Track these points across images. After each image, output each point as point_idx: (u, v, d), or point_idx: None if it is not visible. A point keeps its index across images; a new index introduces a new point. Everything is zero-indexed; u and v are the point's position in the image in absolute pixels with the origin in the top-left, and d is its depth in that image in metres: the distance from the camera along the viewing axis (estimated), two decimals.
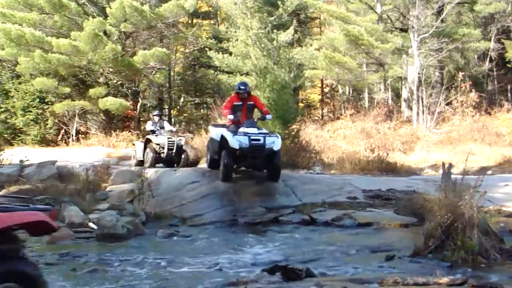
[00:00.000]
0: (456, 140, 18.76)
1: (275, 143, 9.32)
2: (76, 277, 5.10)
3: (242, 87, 10.03)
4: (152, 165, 12.83)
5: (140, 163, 13.63)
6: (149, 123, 14.16)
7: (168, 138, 13.26)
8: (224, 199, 9.28)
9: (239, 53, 23.59)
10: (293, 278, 4.48)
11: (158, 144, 13.15)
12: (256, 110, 10.29)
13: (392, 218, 7.58)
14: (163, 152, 13.09)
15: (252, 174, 10.28)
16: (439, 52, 22.66)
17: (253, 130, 9.31)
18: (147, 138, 13.70)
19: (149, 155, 13.10)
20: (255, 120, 9.87)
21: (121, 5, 19.84)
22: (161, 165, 13.22)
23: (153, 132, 13.62)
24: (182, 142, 13.50)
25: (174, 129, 14.44)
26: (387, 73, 24.65)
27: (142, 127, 25.47)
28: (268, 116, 10.02)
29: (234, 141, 9.08)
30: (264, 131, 9.57)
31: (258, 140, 9.14)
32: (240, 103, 9.89)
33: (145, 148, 13.52)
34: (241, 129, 9.34)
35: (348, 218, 7.66)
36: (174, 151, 13.11)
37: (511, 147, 17.50)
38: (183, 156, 13.18)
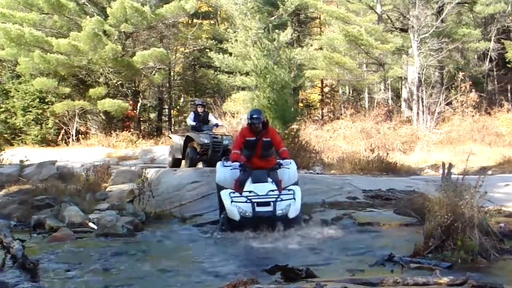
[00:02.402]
0: (456, 140, 18.78)
1: (290, 207, 6.78)
2: (76, 277, 5.10)
3: (255, 116, 7.40)
4: (193, 165, 11.91)
5: (177, 162, 12.60)
6: (191, 115, 12.48)
7: (213, 138, 11.88)
8: None
9: (238, 54, 23.61)
10: (293, 278, 4.48)
11: (201, 145, 11.85)
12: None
13: (392, 218, 7.58)
14: (206, 154, 11.79)
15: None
16: (439, 52, 22.68)
17: (261, 189, 6.92)
18: (187, 136, 12.28)
19: (190, 156, 11.93)
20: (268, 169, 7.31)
21: (122, 5, 19.85)
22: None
23: (193, 128, 12.20)
24: (228, 142, 12.00)
25: (220, 123, 12.92)
26: (387, 73, 24.66)
27: (142, 127, 25.52)
28: (286, 162, 7.39)
29: (233, 211, 6.76)
30: (274, 188, 7.04)
31: (266, 204, 6.73)
32: (254, 138, 7.46)
33: (185, 146, 12.27)
34: (246, 187, 7.06)
35: (348, 218, 7.66)
36: (219, 153, 11.64)
37: (511, 147, 17.51)
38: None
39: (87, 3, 21.85)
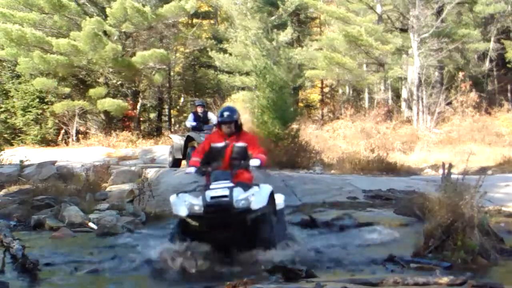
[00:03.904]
0: (456, 140, 18.78)
1: (254, 197, 5.30)
2: (75, 277, 5.10)
3: (227, 113, 5.97)
4: None
5: (177, 162, 12.52)
6: (190, 117, 12.28)
7: None
8: None
9: (238, 54, 23.62)
10: (293, 278, 4.48)
11: None
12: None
13: (392, 218, 7.58)
14: None
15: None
16: (439, 52, 22.68)
17: (220, 184, 5.37)
18: (188, 136, 12.08)
19: (191, 155, 11.77)
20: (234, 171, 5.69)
21: (122, 5, 19.86)
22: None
23: (194, 128, 12.03)
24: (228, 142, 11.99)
25: None
26: (387, 73, 24.67)
27: (142, 127, 25.52)
28: (254, 161, 5.74)
29: (179, 205, 5.37)
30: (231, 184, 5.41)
31: (222, 196, 5.23)
32: (222, 144, 5.95)
33: (185, 146, 12.12)
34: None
35: (348, 218, 7.67)
36: None
37: (511, 147, 17.51)
38: None
39: (87, 3, 21.86)
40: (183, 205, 5.32)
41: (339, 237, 6.67)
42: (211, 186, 5.35)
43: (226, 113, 6.01)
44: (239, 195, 5.25)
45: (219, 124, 6.07)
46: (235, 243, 5.31)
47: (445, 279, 4.06)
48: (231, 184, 5.33)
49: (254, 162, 5.76)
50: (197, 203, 5.25)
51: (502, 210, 7.82)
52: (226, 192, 5.22)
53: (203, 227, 5.20)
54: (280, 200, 6.16)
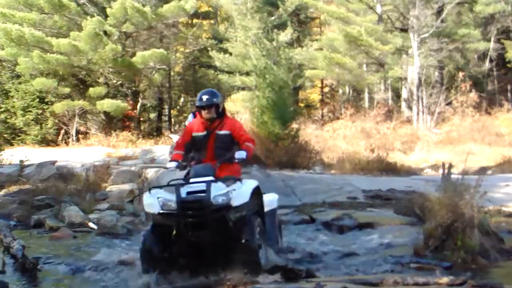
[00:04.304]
0: (456, 140, 18.78)
1: (234, 193, 4.75)
2: (75, 277, 5.10)
3: (206, 97, 5.33)
4: None
5: None
6: (190, 117, 11.65)
7: None
8: None
9: (238, 54, 23.62)
10: (293, 278, 4.48)
11: None
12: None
13: (392, 218, 7.58)
14: None
15: (252, 174, 10.25)
16: (439, 52, 22.68)
17: (200, 179, 4.85)
18: None
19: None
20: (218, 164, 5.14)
21: (122, 5, 19.85)
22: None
23: None
24: None
25: None
26: (387, 73, 24.67)
27: (142, 127, 25.51)
28: (240, 153, 5.18)
29: (151, 201, 4.84)
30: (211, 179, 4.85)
31: (199, 192, 4.72)
32: (203, 133, 5.39)
33: None
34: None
35: (348, 218, 7.66)
36: None
37: (511, 147, 17.50)
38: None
39: (87, 3, 21.85)
40: (156, 201, 4.75)
41: (339, 237, 6.67)
42: (190, 181, 4.89)
43: (205, 97, 5.35)
44: (218, 190, 4.71)
45: (198, 110, 5.45)
46: (213, 248, 4.69)
47: (445, 279, 4.06)
48: (210, 178, 4.79)
49: (239, 155, 5.18)
50: (172, 199, 4.69)
51: (502, 210, 7.82)
52: (204, 187, 4.70)
53: (178, 226, 4.64)
54: (271, 200, 5.67)
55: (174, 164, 5.33)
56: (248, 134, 5.58)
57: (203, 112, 5.35)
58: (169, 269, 4.76)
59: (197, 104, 5.38)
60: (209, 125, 5.38)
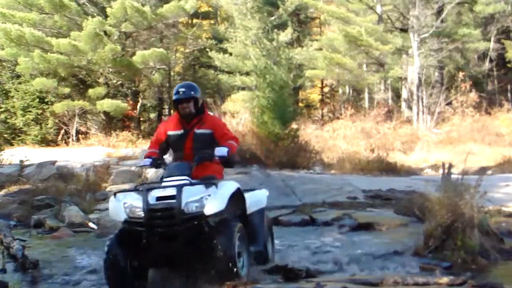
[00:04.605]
0: (456, 140, 18.79)
1: (208, 200, 4.17)
2: (75, 277, 5.10)
3: (182, 90, 4.79)
4: None
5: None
6: None
7: None
8: None
9: (238, 54, 23.62)
10: (293, 278, 4.48)
11: None
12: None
13: (392, 218, 7.57)
14: None
15: (252, 174, 10.27)
16: (439, 52, 22.69)
17: (172, 181, 4.36)
18: None
19: None
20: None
21: (122, 5, 19.85)
22: None
23: None
24: None
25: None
26: (387, 73, 24.67)
27: (142, 127, 25.51)
28: (219, 150, 4.60)
29: (117, 208, 4.32)
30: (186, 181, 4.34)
31: (169, 197, 4.20)
32: (180, 131, 4.82)
33: None
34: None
35: (348, 218, 7.66)
36: None
37: (511, 147, 17.51)
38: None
39: (87, 3, 21.85)
40: (122, 207, 4.23)
41: (339, 237, 6.67)
42: (163, 183, 4.39)
43: (182, 89, 4.77)
44: (190, 195, 4.14)
45: (174, 105, 4.84)
46: (186, 260, 4.23)
47: (445, 279, 4.06)
48: (183, 182, 4.25)
49: (219, 152, 4.58)
50: (139, 206, 4.16)
51: (502, 210, 7.82)
52: (174, 192, 4.15)
53: (146, 237, 4.13)
54: (258, 199, 5.07)
55: (148, 161, 4.78)
56: (232, 133, 4.99)
57: (180, 107, 4.74)
58: (138, 282, 4.29)
59: (173, 99, 4.80)
60: (187, 122, 4.78)
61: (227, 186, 4.39)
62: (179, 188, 4.16)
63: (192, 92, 4.78)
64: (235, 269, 4.08)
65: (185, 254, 4.20)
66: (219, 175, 4.75)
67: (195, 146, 4.71)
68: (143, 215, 4.14)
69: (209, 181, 4.34)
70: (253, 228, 4.75)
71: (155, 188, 4.35)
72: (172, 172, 4.46)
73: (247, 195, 4.81)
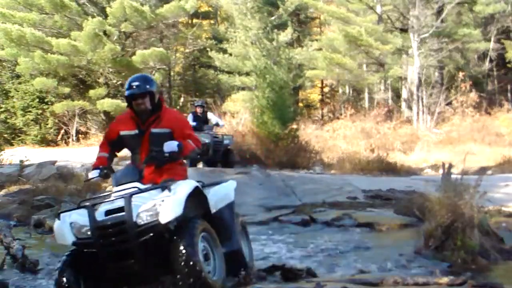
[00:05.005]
0: (456, 140, 18.77)
1: (162, 206, 3.70)
2: None
3: (136, 84, 4.22)
4: (194, 165, 11.76)
5: None
6: (190, 117, 12.21)
7: (214, 137, 11.83)
8: None
9: (238, 54, 23.63)
10: (292, 278, 4.48)
11: (202, 144, 11.54)
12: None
13: (392, 218, 7.57)
14: (207, 154, 11.57)
15: (252, 174, 10.27)
16: (439, 52, 22.69)
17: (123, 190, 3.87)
18: None
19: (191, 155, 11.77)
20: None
21: (121, 5, 19.86)
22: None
23: (194, 128, 12.13)
24: (229, 142, 12.17)
25: (221, 123, 12.65)
26: (387, 73, 24.67)
27: None
28: (169, 146, 4.10)
29: (62, 229, 3.83)
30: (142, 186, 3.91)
31: (118, 210, 3.73)
32: (135, 131, 4.28)
33: None
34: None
35: (348, 218, 7.65)
36: (220, 152, 11.85)
37: (511, 147, 17.50)
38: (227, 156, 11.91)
39: (87, 3, 21.86)
40: (68, 229, 3.75)
41: (339, 237, 6.67)
42: (113, 194, 3.89)
43: (135, 83, 4.19)
44: (141, 205, 3.68)
45: (127, 101, 4.27)
46: (151, 275, 3.78)
47: (445, 279, 4.07)
48: (131, 190, 3.77)
49: (168, 146, 4.05)
50: (84, 224, 3.70)
51: (502, 210, 7.81)
52: (122, 203, 3.66)
53: (100, 257, 3.67)
54: (224, 193, 4.54)
55: (96, 172, 4.25)
56: (194, 134, 4.46)
57: (134, 104, 4.19)
58: None
59: (126, 94, 4.23)
60: (142, 121, 4.24)
61: (182, 187, 3.86)
62: (128, 198, 3.66)
63: (148, 86, 4.22)
64: (202, 274, 3.59)
65: (148, 269, 3.72)
66: (181, 177, 4.17)
67: (152, 147, 4.16)
68: (89, 235, 3.68)
69: (161, 185, 3.90)
70: (223, 226, 4.28)
71: (103, 202, 3.85)
72: (119, 180, 3.98)
73: (211, 191, 4.44)
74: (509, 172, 13.54)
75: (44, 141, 21.86)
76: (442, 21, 23.27)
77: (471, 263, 4.95)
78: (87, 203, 3.81)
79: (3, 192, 10.16)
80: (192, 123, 12.13)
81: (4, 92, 22.91)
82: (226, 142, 12.13)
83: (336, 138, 19.57)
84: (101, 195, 4.12)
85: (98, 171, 4.25)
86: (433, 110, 21.74)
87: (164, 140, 4.14)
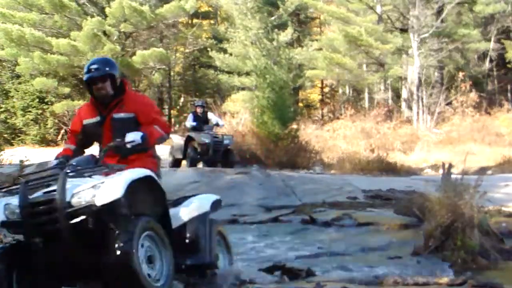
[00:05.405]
0: (456, 140, 18.76)
1: (99, 189, 3.31)
2: None
3: (94, 67, 3.84)
4: (194, 165, 11.88)
5: (177, 162, 12.52)
6: (190, 117, 12.39)
7: (214, 137, 11.86)
8: (224, 199, 9.26)
9: (238, 54, 23.63)
10: (292, 277, 4.48)
11: (202, 144, 11.79)
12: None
13: (392, 218, 7.56)
14: (207, 154, 11.71)
15: (252, 174, 10.26)
16: (439, 52, 22.69)
17: None
18: (188, 136, 12.18)
19: (191, 155, 11.92)
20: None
21: (121, 5, 19.87)
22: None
23: (194, 128, 12.10)
24: (229, 142, 12.21)
25: (222, 123, 12.75)
26: (387, 73, 24.67)
27: None
28: (130, 137, 3.69)
29: None
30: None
31: (52, 191, 3.38)
32: (96, 118, 3.92)
33: (185, 146, 12.16)
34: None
35: (348, 218, 7.64)
36: (220, 152, 11.90)
37: (511, 147, 17.49)
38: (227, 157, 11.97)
39: (87, 3, 21.86)
40: (1, 209, 3.43)
41: (339, 237, 6.66)
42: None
43: (94, 66, 3.83)
44: (78, 185, 3.34)
45: (87, 87, 3.92)
46: (82, 269, 3.37)
47: (445, 279, 4.06)
48: (70, 168, 3.48)
49: (130, 137, 3.65)
50: (13, 203, 3.41)
51: (502, 210, 7.80)
52: (55, 192, 3.29)
53: (28, 239, 3.38)
54: (199, 204, 4.14)
55: (54, 162, 3.81)
56: (162, 119, 4.06)
57: (94, 89, 3.82)
58: None
59: (84, 79, 3.86)
60: (104, 107, 3.86)
61: (129, 172, 3.45)
62: (63, 175, 3.33)
63: (107, 68, 3.83)
64: (137, 276, 3.16)
65: (80, 258, 3.33)
66: (151, 169, 3.73)
67: (115, 135, 3.77)
68: (19, 215, 3.33)
69: (107, 165, 3.58)
70: (192, 237, 3.93)
71: (47, 182, 3.48)
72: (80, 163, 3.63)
73: (184, 203, 4.11)
74: (509, 172, 13.54)
75: (44, 141, 21.86)
76: (442, 21, 23.27)
77: (471, 263, 4.94)
78: (22, 181, 3.48)
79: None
80: (192, 123, 12.20)
81: (4, 92, 22.92)
82: (226, 142, 12.16)
83: (336, 138, 19.56)
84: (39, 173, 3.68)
85: (56, 161, 3.80)
86: (433, 110, 21.74)
87: (128, 126, 3.77)
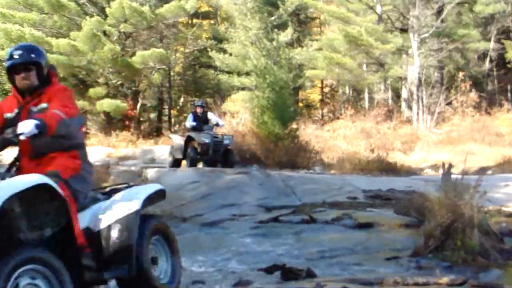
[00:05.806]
0: (456, 140, 18.77)
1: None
2: None
3: (18, 53, 3.32)
4: (194, 165, 11.88)
5: (177, 162, 12.59)
6: (190, 117, 12.40)
7: (214, 137, 11.88)
8: (224, 199, 9.28)
9: (238, 54, 23.64)
10: (292, 278, 4.48)
11: (202, 144, 11.85)
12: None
13: (392, 218, 7.56)
14: (207, 154, 11.74)
15: (252, 174, 10.27)
16: (439, 52, 22.70)
17: None
18: (188, 136, 12.20)
19: (191, 155, 11.95)
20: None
21: (121, 5, 19.87)
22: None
23: (194, 128, 12.15)
24: (229, 142, 12.22)
25: (222, 123, 12.73)
26: (387, 73, 24.68)
27: (142, 127, 25.52)
28: (22, 126, 3.02)
29: None
30: None
31: None
32: (15, 112, 3.43)
33: (185, 146, 12.22)
34: None
35: (348, 218, 7.65)
36: (220, 152, 11.92)
37: (511, 147, 17.50)
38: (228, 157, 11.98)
39: (87, 3, 21.86)
40: None
41: (339, 237, 6.66)
42: None
43: (17, 52, 3.33)
44: None
45: (9, 76, 3.43)
46: None
47: (445, 279, 4.07)
48: None
49: (22, 127, 3.02)
50: None
51: (502, 210, 7.81)
52: None
53: None
54: (130, 202, 3.50)
55: None
56: (73, 108, 3.38)
57: (17, 78, 3.35)
58: None
59: (7, 66, 3.37)
60: (23, 98, 3.39)
61: (9, 182, 2.98)
62: None
63: (33, 55, 3.34)
64: None
65: None
66: (71, 170, 3.31)
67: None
68: None
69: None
70: (112, 245, 3.33)
71: None
72: None
73: (114, 198, 3.57)
74: (509, 172, 13.54)
75: None
76: (442, 21, 23.29)
77: (471, 263, 4.95)
78: None
79: None
80: (192, 123, 12.22)
81: (4, 92, 22.90)
82: (226, 142, 12.16)
83: (336, 138, 19.57)
84: None
85: None
86: (433, 110, 21.75)
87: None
